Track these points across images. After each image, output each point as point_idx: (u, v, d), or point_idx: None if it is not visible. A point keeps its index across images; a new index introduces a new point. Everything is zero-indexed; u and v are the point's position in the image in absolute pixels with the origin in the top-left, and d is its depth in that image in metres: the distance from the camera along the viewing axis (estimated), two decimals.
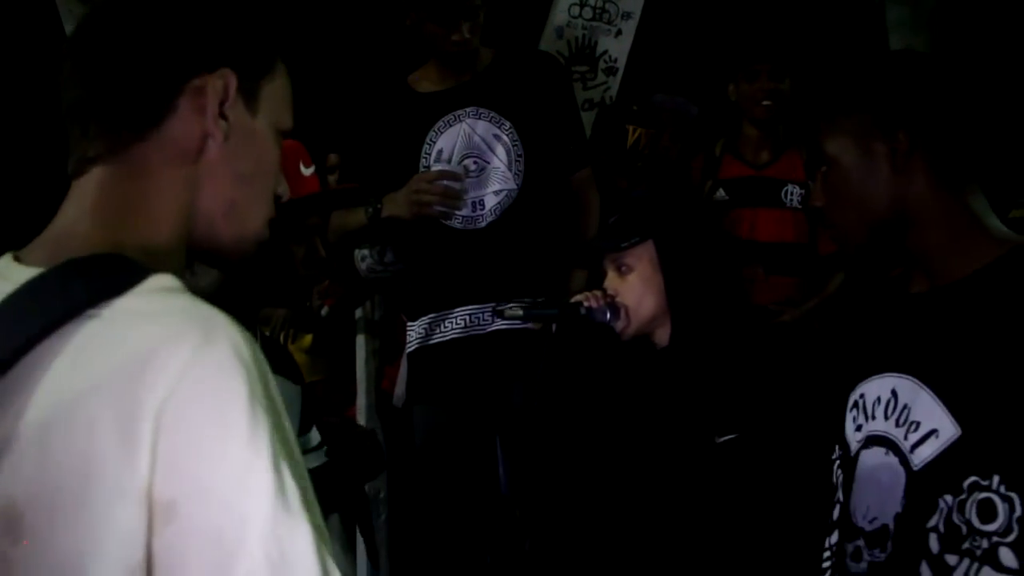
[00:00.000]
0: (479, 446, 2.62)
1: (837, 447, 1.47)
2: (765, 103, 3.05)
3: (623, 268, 1.99)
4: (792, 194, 3.08)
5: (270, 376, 0.81)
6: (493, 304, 2.41)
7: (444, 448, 2.66)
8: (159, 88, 0.91)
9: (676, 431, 1.91)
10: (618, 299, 1.98)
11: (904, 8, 3.50)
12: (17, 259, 0.90)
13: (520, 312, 2.07)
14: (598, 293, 1.99)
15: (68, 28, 3.57)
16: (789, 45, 3.09)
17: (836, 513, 1.45)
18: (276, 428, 0.79)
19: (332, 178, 3.49)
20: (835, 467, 1.48)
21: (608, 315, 1.97)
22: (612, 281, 2.01)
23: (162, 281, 0.84)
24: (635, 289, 1.97)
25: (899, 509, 1.33)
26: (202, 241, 0.94)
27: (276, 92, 0.98)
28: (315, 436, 1.86)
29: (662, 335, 2.00)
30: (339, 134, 3.03)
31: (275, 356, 1.25)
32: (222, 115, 0.92)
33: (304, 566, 0.76)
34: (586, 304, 1.97)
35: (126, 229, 0.89)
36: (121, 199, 0.90)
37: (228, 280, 1.55)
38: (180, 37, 0.92)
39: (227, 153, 0.92)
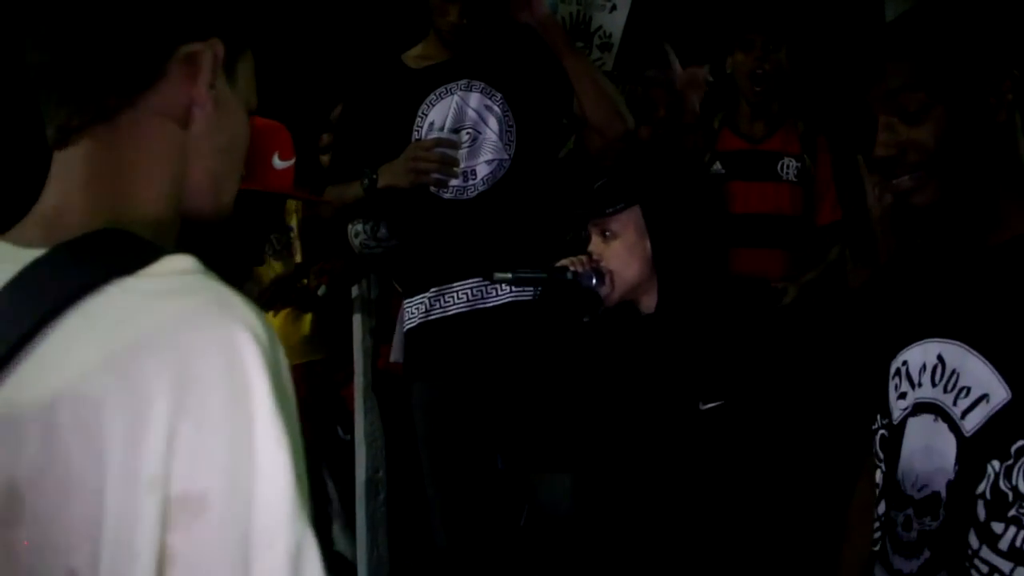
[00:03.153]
0: (480, 423, 2.59)
1: (879, 416, 1.44)
2: (757, 72, 3.02)
3: (608, 234, 1.99)
4: (788, 167, 3.06)
5: (284, 361, 0.78)
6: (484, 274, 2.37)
7: (443, 426, 2.63)
8: (152, 50, 0.87)
9: (661, 398, 1.91)
10: (603, 264, 1.97)
11: None
12: (8, 240, 0.86)
13: (509, 276, 2.08)
14: (583, 258, 1.99)
15: None
16: (787, 15, 3.06)
17: (881, 482, 1.42)
18: (288, 415, 0.76)
19: (325, 158, 3.48)
20: (881, 436, 1.44)
21: (593, 280, 1.97)
22: (596, 246, 2.00)
23: (178, 262, 0.80)
24: (620, 255, 1.97)
25: (951, 477, 1.30)
26: (186, 213, 0.92)
27: (248, 71, 0.96)
28: None
29: (648, 302, 2.00)
30: (332, 113, 3.01)
31: None
32: (211, 85, 0.90)
33: (312, 558, 0.75)
34: (572, 269, 1.98)
35: (123, 203, 0.86)
36: (114, 171, 0.87)
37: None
38: (176, 3, 0.89)
39: (211, 124, 0.91)
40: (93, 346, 0.75)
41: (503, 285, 2.53)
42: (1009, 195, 1.31)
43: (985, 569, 1.26)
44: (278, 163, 1.69)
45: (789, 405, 1.87)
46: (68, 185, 0.87)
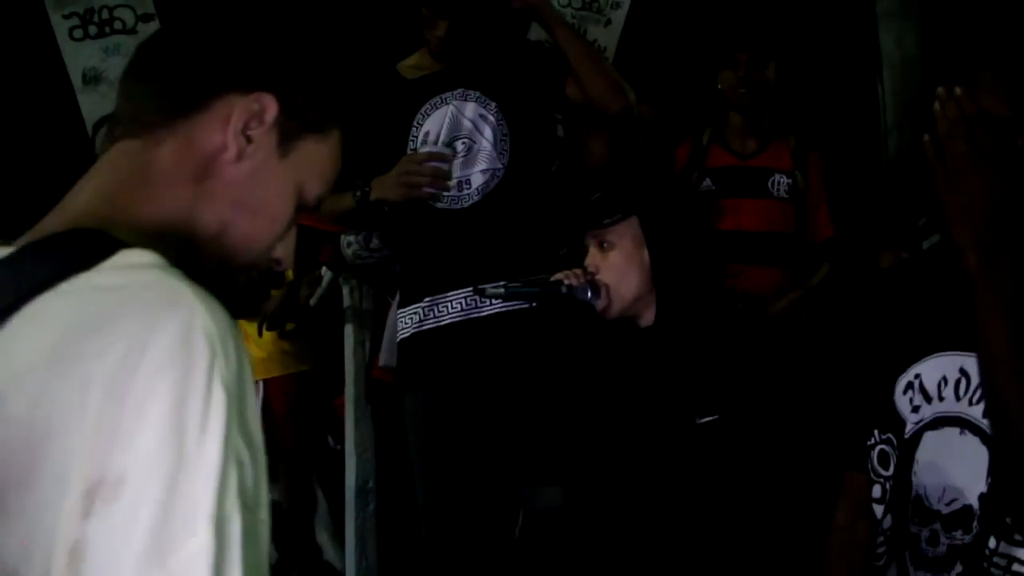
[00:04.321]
0: (473, 433, 2.58)
1: (878, 432, 1.44)
2: (740, 91, 3.05)
3: (605, 245, 1.97)
4: (779, 183, 3.07)
5: (239, 358, 0.77)
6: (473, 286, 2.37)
7: (436, 437, 2.61)
8: (200, 84, 0.94)
9: (657, 411, 1.90)
10: (599, 277, 1.96)
11: None
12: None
13: (502, 291, 2.07)
14: (579, 271, 1.98)
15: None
16: (774, 33, 3.08)
17: (885, 496, 1.42)
18: (236, 411, 0.75)
19: None
20: (880, 451, 1.44)
21: (589, 293, 1.94)
22: (594, 258, 1.99)
23: (132, 256, 0.81)
24: (617, 267, 1.95)
25: (984, 489, 1.30)
26: (196, 248, 0.94)
27: (316, 155, 0.98)
28: None
29: (647, 315, 1.98)
30: None
31: None
32: (246, 135, 0.93)
33: (235, 557, 0.73)
34: (567, 282, 1.95)
35: (122, 209, 0.90)
36: (129, 180, 0.91)
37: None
38: (240, 50, 0.96)
39: (237, 175, 0.93)
40: (36, 342, 0.75)
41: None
42: None
43: (1003, 562, 1.27)
44: None
45: (784, 420, 1.87)
46: (86, 182, 0.92)
